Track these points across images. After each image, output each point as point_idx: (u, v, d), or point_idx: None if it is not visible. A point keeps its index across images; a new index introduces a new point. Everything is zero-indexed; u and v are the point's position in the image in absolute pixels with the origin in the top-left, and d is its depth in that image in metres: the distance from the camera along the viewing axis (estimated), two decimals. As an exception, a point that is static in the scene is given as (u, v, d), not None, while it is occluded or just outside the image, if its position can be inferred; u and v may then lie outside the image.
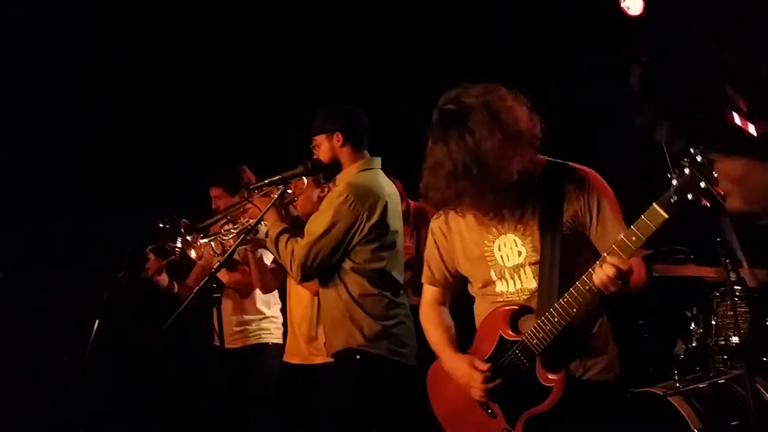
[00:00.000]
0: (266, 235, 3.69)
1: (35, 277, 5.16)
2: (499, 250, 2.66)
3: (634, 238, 2.26)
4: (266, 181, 3.82)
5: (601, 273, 2.32)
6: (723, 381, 3.87)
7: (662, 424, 3.66)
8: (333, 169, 3.77)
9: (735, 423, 3.67)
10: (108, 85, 5.49)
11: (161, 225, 3.90)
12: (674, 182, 2.13)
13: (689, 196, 2.10)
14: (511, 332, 2.62)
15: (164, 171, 5.49)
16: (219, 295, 3.69)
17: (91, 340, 4.07)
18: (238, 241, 3.72)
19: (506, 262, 2.64)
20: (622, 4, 5.08)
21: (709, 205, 2.08)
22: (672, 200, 2.14)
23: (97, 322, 4.10)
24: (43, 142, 5.33)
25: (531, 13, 5.34)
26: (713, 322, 4.08)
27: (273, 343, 4.52)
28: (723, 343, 4.04)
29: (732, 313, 3.96)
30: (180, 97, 5.62)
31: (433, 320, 2.88)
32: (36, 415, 4.89)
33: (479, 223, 2.67)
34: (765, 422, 3.66)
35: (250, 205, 3.86)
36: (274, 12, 5.58)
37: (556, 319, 2.47)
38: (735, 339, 3.99)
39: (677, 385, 3.80)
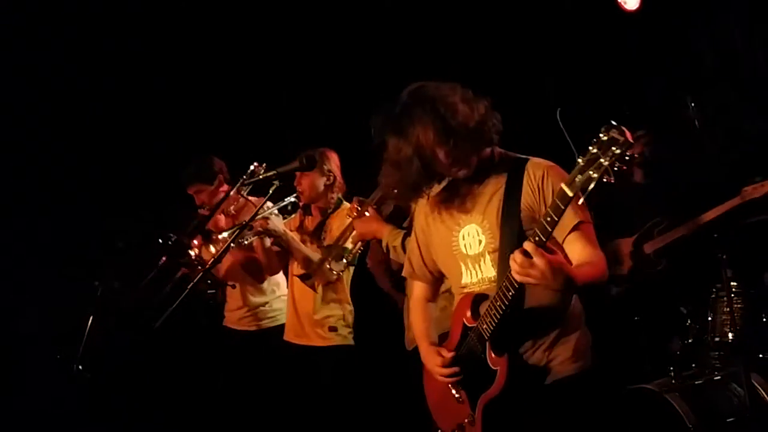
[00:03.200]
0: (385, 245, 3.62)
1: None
2: (463, 239, 2.72)
3: (548, 219, 2.28)
4: (261, 177, 3.83)
5: (511, 260, 2.32)
6: (719, 378, 3.87)
7: (658, 421, 3.66)
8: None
9: (731, 420, 3.66)
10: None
11: (163, 242, 3.88)
12: (578, 161, 2.16)
13: (592, 174, 2.12)
14: (471, 318, 2.67)
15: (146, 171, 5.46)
16: (214, 291, 3.69)
17: (85, 337, 4.05)
18: (233, 236, 3.71)
19: (469, 250, 2.70)
20: (619, -1, 5.07)
21: (613, 181, 2.11)
22: (576, 179, 2.16)
23: (91, 318, 4.09)
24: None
25: (527, 11, 5.32)
26: (709, 319, 4.07)
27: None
28: (719, 339, 4.02)
29: (728, 309, 3.96)
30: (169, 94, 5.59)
31: (416, 315, 2.97)
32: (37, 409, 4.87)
33: (448, 215, 2.75)
34: (761, 419, 3.66)
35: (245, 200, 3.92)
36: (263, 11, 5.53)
37: (498, 303, 2.51)
38: (731, 335, 3.97)
39: (673, 381, 3.80)
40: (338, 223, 4.11)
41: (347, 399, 4.09)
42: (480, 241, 2.67)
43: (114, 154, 5.47)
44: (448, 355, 2.72)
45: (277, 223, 4.06)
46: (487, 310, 2.56)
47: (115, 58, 5.44)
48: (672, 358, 3.96)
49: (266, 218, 3.98)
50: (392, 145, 2.61)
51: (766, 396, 3.75)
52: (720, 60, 5.49)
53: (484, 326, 2.58)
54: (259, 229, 4.01)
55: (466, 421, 2.69)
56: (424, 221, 2.86)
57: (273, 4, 5.48)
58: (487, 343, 2.58)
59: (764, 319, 4.03)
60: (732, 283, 3.99)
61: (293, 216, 4.37)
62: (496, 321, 2.52)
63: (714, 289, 4.08)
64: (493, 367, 2.57)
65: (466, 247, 2.71)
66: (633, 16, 5.13)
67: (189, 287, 3.50)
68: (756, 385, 3.76)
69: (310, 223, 4.27)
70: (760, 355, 3.96)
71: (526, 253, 2.28)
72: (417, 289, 3.00)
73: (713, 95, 5.25)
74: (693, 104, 4.49)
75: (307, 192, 4.16)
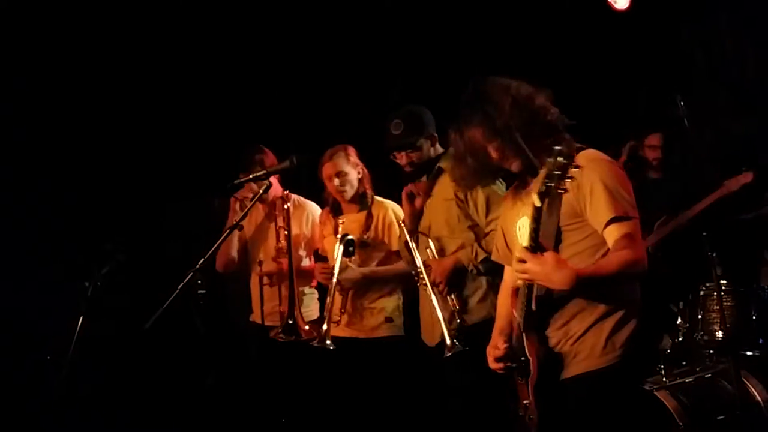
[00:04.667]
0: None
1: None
2: (519, 230, 2.78)
3: (533, 226, 2.47)
4: (251, 177, 3.81)
5: (513, 262, 2.55)
6: (709, 375, 3.89)
7: (649, 419, 3.66)
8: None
9: (721, 418, 3.68)
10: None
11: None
12: (540, 172, 2.42)
13: (549, 184, 2.37)
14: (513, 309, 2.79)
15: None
16: (204, 291, 3.67)
17: (75, 337, 4.03)
18: (224, 236, 3.70)
19: (522, 241, 2.68)
20: (609, -1, 5.07)
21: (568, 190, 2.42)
22: (540, 190, 2.40)
23: (81, 319, 4.06)
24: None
25: (519, 13, 5.33)
26: (699, 317, 4.08)
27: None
28: (709, 337, 4.04)
29: (718, 307, 3.98)
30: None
31: (500, 299, 3.02)
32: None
33: (514, 204, 2.85)
34: (750, 416, 3.67)
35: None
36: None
37: (522, 296, 2.65)
38: (721, 333, 3.99)
39: (664, 379, 3.81)
40: (373, 217, 4.12)
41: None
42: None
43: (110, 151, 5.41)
44: (502, 346, 2.77)
45: (351, 274, 4.00)
46: (518, 301, 2.67)
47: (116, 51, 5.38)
48: (662, 356, 3.96)
49: (328, 276, 3.92)
50: (452, 141, 2.88)
51: (755, 393, 3.77)
52: (709, 60, 5.52)
53: (517, 317, 2.68)
54: (347, 287, 4.01)
55: (526, 402, 2.72)
56: (505, 207, 2.96)
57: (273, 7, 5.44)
58: (522, 334, 2.67)
59: (753, 317, 4.05)
60: (722, 282, 4.01)
61: (323, 221, 4.31)
62: (523, 312, 2.63)
63: (704, 288, 4.10)
64: (528, 356, 2.66)
65: (521, 237, 2.74)
66: (623, 16, 5.15)
67: (179, 288, 3.48)
68: (746, 382, 3.78)
69: (347, 223, 4.13)
70: (750, 353, 3.98)
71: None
72: (506, 274, 3.01)
73: (703, 95, 5.28)
74: (682, 103, 4.50)
75: (347, 190, 4.11)
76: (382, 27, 5.42)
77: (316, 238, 4.41)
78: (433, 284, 3.57)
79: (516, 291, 2.75)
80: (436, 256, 3.64)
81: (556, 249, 2.61)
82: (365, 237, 4.06)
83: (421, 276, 3.63)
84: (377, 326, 4.07)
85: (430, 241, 3.67)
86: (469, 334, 3.42)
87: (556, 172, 2.35)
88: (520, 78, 2.77)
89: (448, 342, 3.41)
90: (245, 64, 5.41)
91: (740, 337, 4.00)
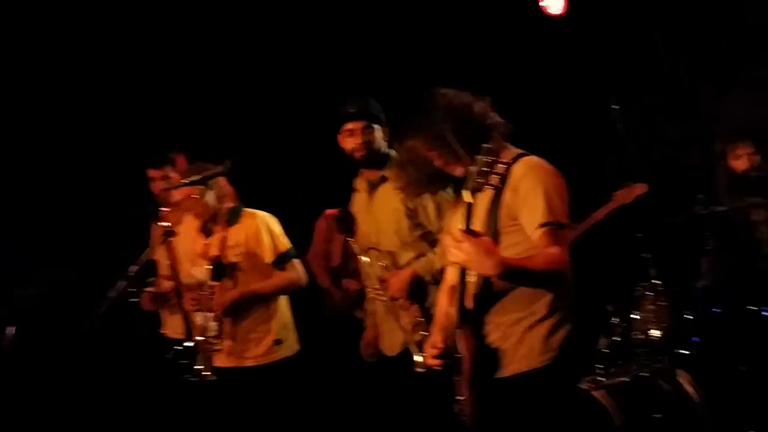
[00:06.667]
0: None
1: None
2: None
3: (465, 220, 2.54)
4: (186, 181, 3.74)
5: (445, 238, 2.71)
6: (645, 374, 3.93)
7: (587, 420, 3.70)
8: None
9: (657, 416, 3.73)
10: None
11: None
12: (470, 168, 2.54)
13: (479, 180, 2.49)
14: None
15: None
16: (137, 300, 3.61)
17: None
18: (155, 245, 3.64)
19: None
20: (541, 3, 5.12)
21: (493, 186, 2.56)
22: (469, 186, 2.52)
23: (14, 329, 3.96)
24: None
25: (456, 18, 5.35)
26: (635, 316, 4.14)
27: None
28: (644, 337, 4.10)
29: (653, 307, 4.04)
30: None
31: (439, 298, 3.06)
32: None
33: (458, 207, 2.85)
34: (685, 413, 3.74)
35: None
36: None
37: (456, 294, 2.71)
38: (656, 333, 4.05)
39: (601, 379, 3.85)
40: (242, 231, 3.98)
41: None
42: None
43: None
44: (440, 343, 2.79)
45: (224, 297, 3.83)
46: (454, 299, 2.70)
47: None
48: (599, 356, 4.01)
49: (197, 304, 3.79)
50: (396, 151, 3.05)
51: (690, 391, 3.84)
52: (643, 66, 5.62)
53: (453, 314, 2.70)
54: (218, 312, 3.83)
55: (459, 399, 2.73)
56: (451, 211, 2.99)
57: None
58: (456, 331, 2.69)
59: (687, 317, 4.13)
60: (656, 282, 4.07)
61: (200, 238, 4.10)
62: (458, 310, 2.66)
63: (639, 288, 4.17)
64: (461, 354, 2.68)
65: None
66: (558, 21, 5.20)
67: (113, 297, 3.42)
68: (681, 381, 3.84)
69: (215, 242, 4.01)
70: (684, 352, 4.05)
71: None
72: (447, 273, 3.01)
73: (637, 100, 5.38)
74: (616, 107, 4.57)
75: (199, 210, 3.95)
76: (317, 41, 5.38)
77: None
78: (392, 299, 3.55)
79: (453, 288, 2.76)
80: (391, 270, 3.60)
81: None
82: (235, 257, 3.89)
83: (377, 291, 3.61)
84: (267, 352, 3.94)
85: (381, 255, 3.64)
86: None
87: (484, 169, 2.45)
88: (458, 88, 2.82)
89: (419, 359, 3.38)
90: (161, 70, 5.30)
91: (675, 336, 4.06)
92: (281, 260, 4.00)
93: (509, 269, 2.52)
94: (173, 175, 4.20)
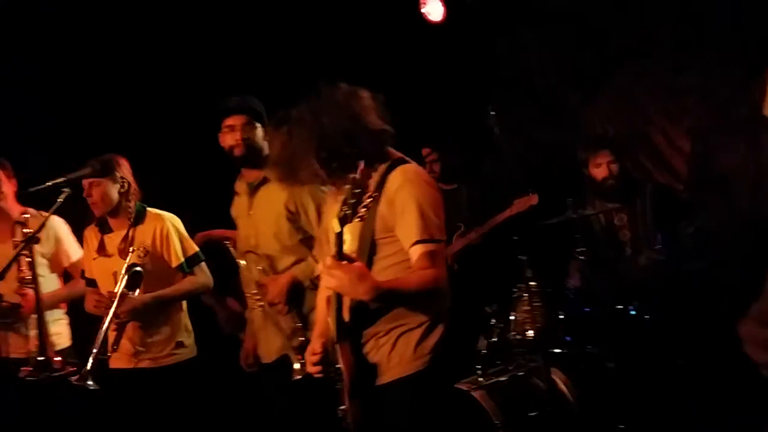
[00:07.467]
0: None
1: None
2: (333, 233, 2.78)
3: (336, 248, 2.53)
4: (49, 184, 3.55)
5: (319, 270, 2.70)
6: (521, 373, 4.03)
7: (468, 420, 3.75)
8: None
9: (533, 414, 3.83)
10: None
11: None
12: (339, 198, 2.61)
13: (347, 212, 2.58)
14: None
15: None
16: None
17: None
18: (18, 250, 3.43)
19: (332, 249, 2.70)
20: (423, 10, 5.18)
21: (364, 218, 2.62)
22: (339, 215, 2.61)
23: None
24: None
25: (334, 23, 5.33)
26: (512, 318, 4.24)
27: None
28: (521, 337, 4.21)
29: (528, 308, 4.15)
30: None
31: (318, 304, 3.01)
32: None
33: (334, 200, 2.86)
34: (559, 410, 3.86)
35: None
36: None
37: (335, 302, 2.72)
38: (531, 333, 4.17)
39: (480, 379, 3.92)
40: (148, 232, 3.85)
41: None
42: (346, 241, 2.68)
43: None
44: (319, 350, 2.76)
45: (130, 304, 3.66)
46: (330, 311, 2.68)
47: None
48: (478, 357, 4.08)
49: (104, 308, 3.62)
50: (276, 147, 2.84)
51: (564, 389, 3.96)
52: (517, 71, 5.78)
53: (330, 327, 2.69)
54: (125, 319, 3.68)
55: (342, 408, 2.70)
56: (328, 206, 2.95)
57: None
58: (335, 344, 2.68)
59: (561, 317, 4.27)
60: (531, 283, 4.19)
61: (89, 234, 3.96)
62: (335, 322, 2.65)
63: (515, 290, 4.27)
64: (341, 364, 2.66)
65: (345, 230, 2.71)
66: (437, 28, 5.28)
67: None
68: (555, 379, 3.96)
69: (115, 241, 3.87)
70: (558, 351, 4.18)
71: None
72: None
73: (512, 105, 5.52)
74: (493, 113, 4.67)
75: (100, 203, 3.79)
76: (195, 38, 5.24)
77: (82, 259, 4.05)
78: (270, 303, 3.47)
79: (329, 299, 2.75)
80: (269, 274, 3.53)
81: (371, 260, 2.66)
82: (139, 259, 3.75)
83: (255, 296, 3.53)
84: (169, 353, 3.84)
85: (259, 258, 3.56)
86: None
87: (351, 201, 2.50)
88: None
89: (297, 366, 3.34)
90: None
91: (549, 336, 4.19)
92: (191, 263, 3.90)
93: (383, 293, 2.52)
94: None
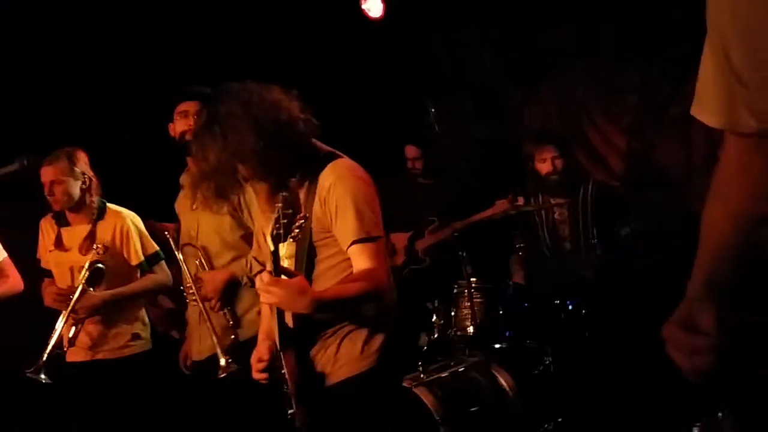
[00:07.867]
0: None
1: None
2: (268, 238, 2.68)
3: (273, 266, 2.47)
4: None
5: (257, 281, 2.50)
6: (462, 369, 4.06)
7: (410, 416, 3.76)
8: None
9: (474, 409, 3.85)
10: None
11: None
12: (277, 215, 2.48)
13: (279, 231, 2.45)
14: None
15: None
16: None
17: None
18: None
19: (281, 251, 2.61)
20: (363, 6, 5.18)
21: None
22: (272, 233, 2.47)
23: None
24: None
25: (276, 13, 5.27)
26: (453, 314, 4.27)
27: None
28: (461, 333, 4.24)
29: (469, 304, 4.18)
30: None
31: (262, 308, 2.92)
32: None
33: (265, 199, 2.73)
34: (499, 404, 3.89)
35: None
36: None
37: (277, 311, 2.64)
38: (471, 329, 4.20)
39: (421, 376, 3.93)
40: (109, 229, 3.79)
41: None
42: (282, 258, 2.60)
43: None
44: (266, 357, 2.71)
45: (90, 300, 3.62)
46: (274, 319, 2.62)
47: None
48: (420, 354, 4.09)
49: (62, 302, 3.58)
50: (195, 159, 2.67)
51: (503, 382, 3.99)
52: (455, 67, 5.81)
53: (275, 334, 2.63)
54: (83, 316, 3.63)
55: (290, 412, 2.66)
56: (259, 204, 2.87)
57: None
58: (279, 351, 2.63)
59: (500, 312, 4.31)
60: (472, 279, 4.22)
61: (44, 230, 3.87)
62: (278, 330, 2.59)
63: (456, 286, 4.29)
64: (285, 370, 2.62)
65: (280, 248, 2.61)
66: (377, 24, 5.27)
67: None
68: (495, 374, 4.00)
69: (73, 235, 3.80)
70: (498, 346, 4.22)
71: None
72: None
73: (450, 101, 5.55)
74: (433, 110, 4.69)
75: (61, 200, 3.73)
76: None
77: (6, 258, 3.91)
78: (204, 299, 3.42)
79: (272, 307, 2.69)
80: (206, 269, 3.47)
81: (311, 264, 2.61)
82: (99, 256, 3.69)
83: (190, 290, 3.47)
84: (125, 345, 3.80)
85: (199, 252, 3.49)
86: (244, 351, 3.19)
87: (283, 221, 2.42)
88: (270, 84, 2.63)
89: (222, 362, 3.28)
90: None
91: (489, 331, 4.22)
92: (151, 261, 3.87)
93: (324, 303, 2.45)
94: None
